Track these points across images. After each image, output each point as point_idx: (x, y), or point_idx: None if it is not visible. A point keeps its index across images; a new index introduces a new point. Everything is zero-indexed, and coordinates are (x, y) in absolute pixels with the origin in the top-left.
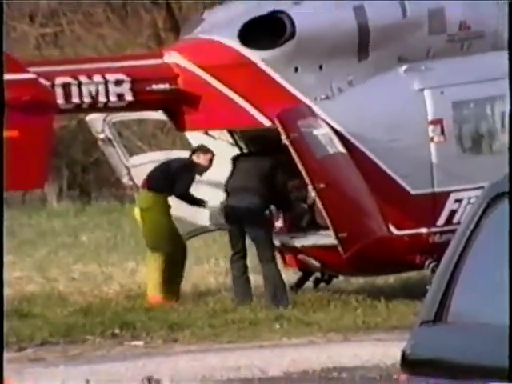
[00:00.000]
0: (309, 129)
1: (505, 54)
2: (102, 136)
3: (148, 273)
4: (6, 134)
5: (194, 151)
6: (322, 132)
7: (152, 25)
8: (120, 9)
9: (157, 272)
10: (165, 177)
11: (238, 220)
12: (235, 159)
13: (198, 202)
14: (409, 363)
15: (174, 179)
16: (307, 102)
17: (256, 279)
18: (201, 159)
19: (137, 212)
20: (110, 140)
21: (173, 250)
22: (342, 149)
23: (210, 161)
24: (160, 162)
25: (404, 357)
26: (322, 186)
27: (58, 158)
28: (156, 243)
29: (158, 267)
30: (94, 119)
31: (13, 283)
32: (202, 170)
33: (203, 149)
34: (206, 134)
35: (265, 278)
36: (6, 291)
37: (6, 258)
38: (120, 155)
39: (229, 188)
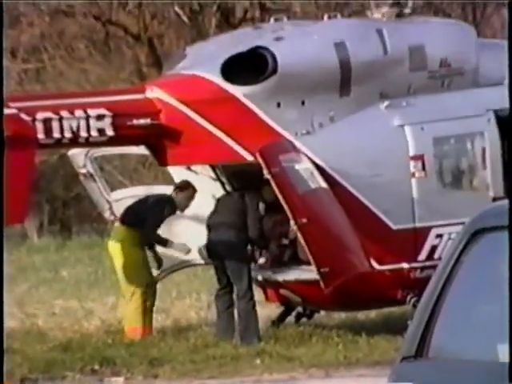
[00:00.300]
0: (290, 163)
1: (484, 91)
2: (83, 171)
3: (125, 304)
4: None
5: (174, 187)
6: (303, 167)
7: (134, 60)
8: (102, 44)
9: (134, 303)
10: (138, 212)
11: (218, 255)
12: (219, 197)
13: (163, 242)
14: None
15: (146, 215)
16: (288, 136)
17: None
18: (179, 196)
19: (110, 245)
20: (91, 175)
21: (146, 282)
22: (323, 184)
23: (191, 197)
24: (139, 197)
25: None
26: (303, 220)
27: (39, 192)
28: (127, 276)
29: (134, 299)
30: (76, 154)
31: None
32: (182, 206)
33: (183, 185)
34: (188, 168)
35: (238, 314)
36: None
37: None
38: (101, 190)
39: (210, 224)
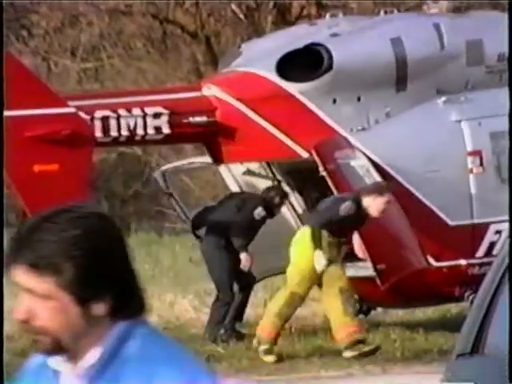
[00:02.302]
0: (346, 160)
1: None
2: (166, 191)
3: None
4: (46, 167)
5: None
6: (359, 163)
7: (191, 58)
8: (160, 43)
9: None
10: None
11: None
12: (221, 199)
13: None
14: None
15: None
16: (344, 133)
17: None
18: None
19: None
20: (170, 194)
21: None
22: (380, 180)
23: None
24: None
25: None
26: None
27: (98, 190)
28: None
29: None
30: (157, 175)
31: None
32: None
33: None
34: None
35: (211, 311)
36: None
37: None
38: (179, 208)
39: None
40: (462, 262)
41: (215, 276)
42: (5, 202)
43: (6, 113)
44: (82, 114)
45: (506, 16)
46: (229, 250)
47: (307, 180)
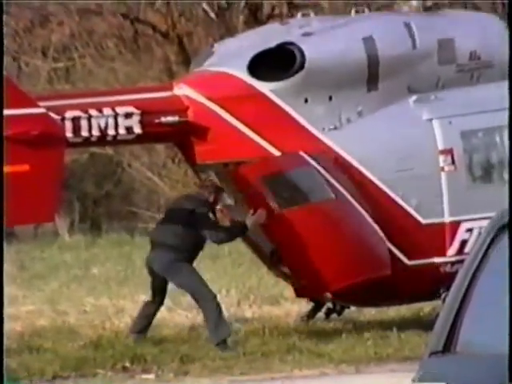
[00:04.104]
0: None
1: None
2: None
3: None
4: (16, 168)
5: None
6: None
7: (163, 58)
8: (131, 43)
9: None
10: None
11: (159, 274)
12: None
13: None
14: None
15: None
16: (316, 132)
17: (261, 313)
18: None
19: None
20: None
21: None
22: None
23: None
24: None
25: None
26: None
27: (70, 191)
28: None
29: None
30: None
31: (23, 317)
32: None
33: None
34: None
35: (205, 316)
36: (17, 325)
37: (17, 293)
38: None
39: (152, 240)
40: (435, 260)
41: (188, 285)
42: None
43: None
44: (53, 115)
45: (476, 15)
46: (184, 259)
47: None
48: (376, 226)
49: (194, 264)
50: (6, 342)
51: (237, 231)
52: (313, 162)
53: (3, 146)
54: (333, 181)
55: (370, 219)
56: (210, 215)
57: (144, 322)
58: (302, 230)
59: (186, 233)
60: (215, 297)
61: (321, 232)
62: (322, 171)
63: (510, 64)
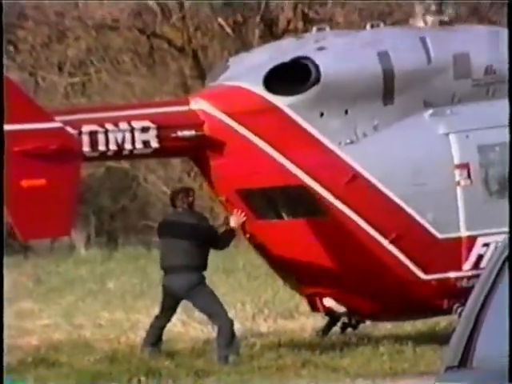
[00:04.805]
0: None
1: None
2: None
3: None
4: (33, 183)
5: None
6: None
7: (179, 73)
8: (147, 57)
9: None
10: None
11: (177, 297)
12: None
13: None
14: None
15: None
16: (332, 146)
17: (276, 327)
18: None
19: None
20: None
21: None
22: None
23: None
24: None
25: None
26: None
27: (86, 205)
28: None
29: None
30: None
31: (39, 331)
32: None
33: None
34: None
35: (218, 335)
36: (33, 339)
37: (33, 306)
38: None
39: (165, 267)
40: (451, 274)
41: (206, 308)
42: None
43: None
44: (69, 129)
45: (492, 29)
46: (201, 278)
47: None
48: (382, 243)
49: (208, 279)
50: (22, 355)
51: (232, 235)
52: (305, 179)
53: (3, 153)
54: (330, 198)
55: (372, 236)
56: (212, 227)
57: (155, 335)
58: (284, 242)
59: (197, 249)
60: (232, 323)
61: (305, 247)
62: (318, 188)
63: (509, 67)
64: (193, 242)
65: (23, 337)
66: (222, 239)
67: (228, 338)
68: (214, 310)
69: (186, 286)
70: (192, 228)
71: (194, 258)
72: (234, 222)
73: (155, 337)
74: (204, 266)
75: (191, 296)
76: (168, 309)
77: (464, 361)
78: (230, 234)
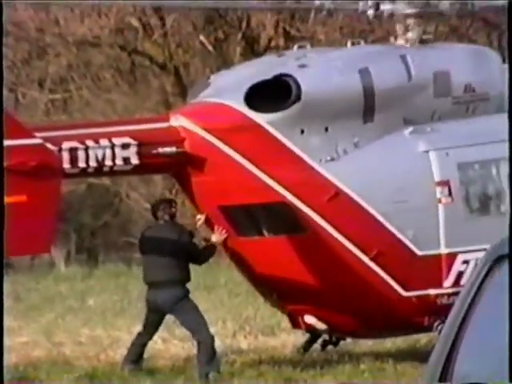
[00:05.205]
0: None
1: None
2: None
3: None
4: (12, 199)
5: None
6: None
7: (160, 90)
8: (128, 74)
9: None
10: None
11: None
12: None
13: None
14: None
15: None
16: (312, 163)
17: (257, 344)
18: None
19: None
20: None
21: None
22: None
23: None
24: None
25: None
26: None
27: (67, 222)
28: None
29: None
30: None
31: (18, 349)
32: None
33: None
34: None
35: (199, 351)
36: (12, 356)
37: (13, 324)
38: None
39: (149, 281)
40: (431, 291)
41: (189, 323)
42: None
43: None
44: (50, 146)
45: (472, 47)
46: (185, 292)
47: None
48: (363, 260)
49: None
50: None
51: (212, 251)
52: (286, 196)
53: (3, 173)
54: (311, 215)
55: (353, 253)
56: (194, 241)
57: (137, 353)
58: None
59: (179, 263)
60: (213, 339)
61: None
62: (299, 204)
63: (510, 64)
64: (175, 255)
65: (3, 354)
66: (202, 254)
67: (209, 354)
68: (195, 325)
69: (170, 300)
70: (174, 241)
71: (177, 271)
72: (215, 238)
73: (136, 355)
74: (187, 279)
75: (175, 310)
76: (151, 324)
77: (443, 378)
78: (211, 249)
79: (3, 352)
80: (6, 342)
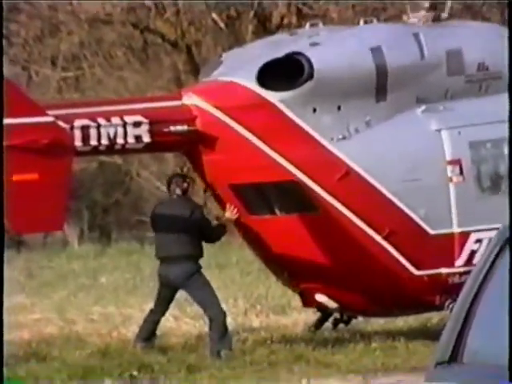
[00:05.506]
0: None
1: None
2: None
3: None
4: (25, 177)
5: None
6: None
7: (172, 68)
8: (141, 52)
9: None
10: None
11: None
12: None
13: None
14: None
15: None
16: (324, 142)
17: (268, 322)
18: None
19: None
20: None
21: None
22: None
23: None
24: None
25: None
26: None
27: (79, 200)
28: None
29: None
30: None
31: (31, 325)
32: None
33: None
34: None
35: (211, 328)
36: (25, 333)
37: (25, 301)
38: None
39: (161, 256)
40: (443, 270)
41: (201, 298)
42: None
43: None
44: (62, 123)
45: (485, 25)
46: (198, 267)
47: None
48: (374, 239)
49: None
50: (13, 349)
51: (223, 230)
52: (297, 174)
53: (3, 152)
54: (322, 194)
55: (364, 231)
56: (207, 217)
57: (149, 330)
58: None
59: (192, 238)
60: (225, 315)
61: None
62: (310, 183)
63: (509, 61)
64: (187, 230)
65: (15, 331)
66: (215, 231)
67: (220, 331)
68: (207, 300)
69: (182, 275)
70: (186, 216)
71: (190, 247)
72: (227, 216)
73: (148, 332)
74: (200, 255)
75: (187, 285)
76: (163, 300)
77: (454, 356)
78: (222, 228)
79: (3, 350)
80: (20, 318)
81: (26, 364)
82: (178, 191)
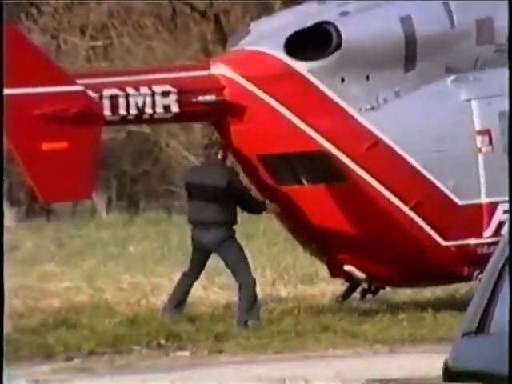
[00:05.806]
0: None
1: None
2: None
3: None
4: (54, 145)
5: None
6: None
7: (201, 37)
8: (169, 21)
9: None
10: None
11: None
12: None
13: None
14: (450, 375)
15: None
16: (352, 112)
17: (296, 292)
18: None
19: None
20: None
21: None
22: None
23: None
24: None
25: (446, 368)
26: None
27: (107, 169)
28: None
29: None
30: None
31: (61, 293)
32: None
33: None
34: None
35: (240, 296)
36: (55, 301)
37: (55, 269)
38: None
39: (194, 221)
40: (471, 241)
41: (232, 263)
42: (14, 180)
43: (15, 91)
44: (91, 93)
45: None
46: (231, 233)
47: None
48: (402, 210)
49: None
50: (43, 317)
51: (264, 206)
52: (325, 145)
53: (3, 143)
54: (350, 164)
55: (392, 202)
56: (246, 186)
57: (182, 293)
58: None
59: (226, 206)
60: (255, 282)
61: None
62: (338, 154)
63: (509, 60)
64: (222, 196)
65: (45, 299)
66: (255, 202)
67: (250, 299)
68: (238, 266)
69: (215, 240)
70: (223, 183)
71: (223, 213)
72: (268, 207)
73: (178, 299)
74: (233, 222)
75: (219, 250)
76: (197, 263)
77: (481, 327)
78: (264, 204)
79: (3, 351)
80: (50, 287)
81: (55, 332)
82: (220, 156)
